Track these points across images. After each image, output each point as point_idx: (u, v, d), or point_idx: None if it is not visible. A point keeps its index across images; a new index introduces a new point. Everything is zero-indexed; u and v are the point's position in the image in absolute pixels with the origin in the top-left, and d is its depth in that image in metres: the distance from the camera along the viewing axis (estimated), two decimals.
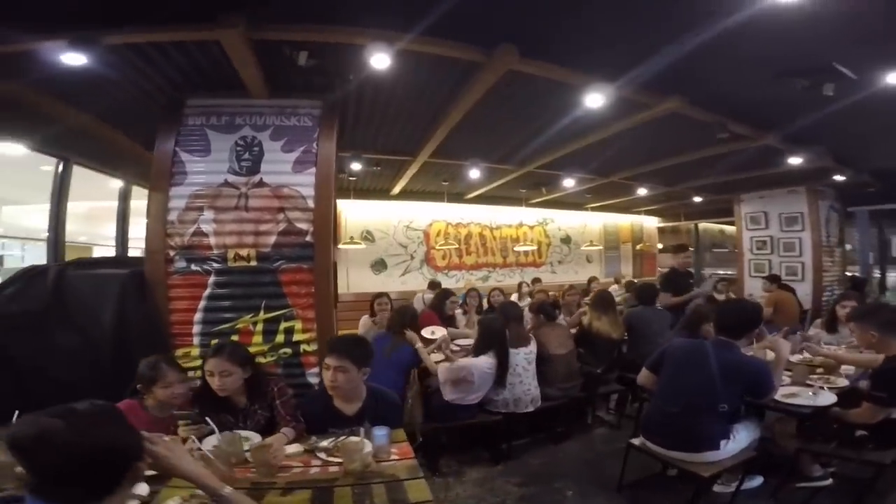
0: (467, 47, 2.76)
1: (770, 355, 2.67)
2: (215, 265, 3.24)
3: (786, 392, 2.55)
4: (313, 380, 3.24)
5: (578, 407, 4.07)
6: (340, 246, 6.67)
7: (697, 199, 7.97)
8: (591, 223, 9.33)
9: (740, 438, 2.40)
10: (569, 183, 6.24)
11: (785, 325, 5.64)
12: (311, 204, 3.31)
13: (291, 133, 3.37)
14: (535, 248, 8.46)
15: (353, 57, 2.73)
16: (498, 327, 3.34)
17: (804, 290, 6.76)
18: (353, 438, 1.79)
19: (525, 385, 3.32)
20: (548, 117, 3.81)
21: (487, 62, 2.86)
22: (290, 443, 1.92)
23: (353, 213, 7.27)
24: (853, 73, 3.08)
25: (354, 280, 7.21)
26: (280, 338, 3.23)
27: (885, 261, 7.90)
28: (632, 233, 9.90)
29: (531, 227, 8.70)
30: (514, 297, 6.63)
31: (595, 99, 3.16)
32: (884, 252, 7.95)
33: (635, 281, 7.60)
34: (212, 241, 3.25)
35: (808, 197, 6.96)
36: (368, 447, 1.71)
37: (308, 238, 3.29)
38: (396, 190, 6.90)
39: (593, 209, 9.01)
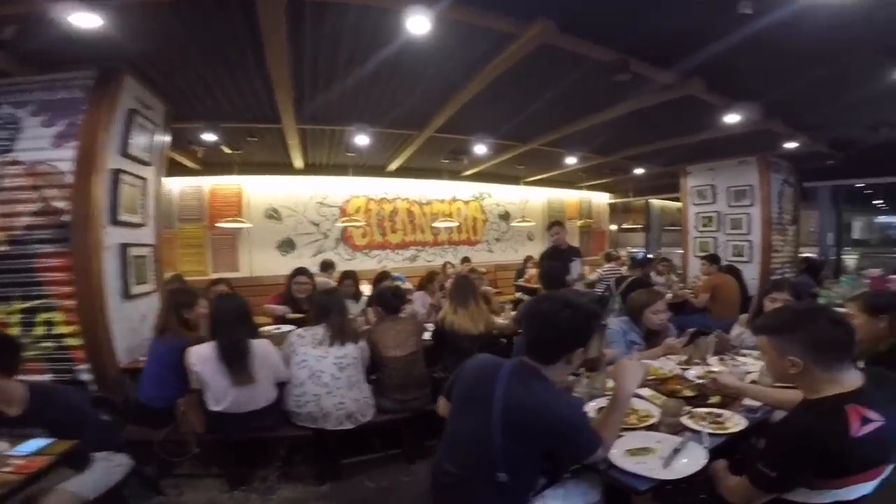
0: None
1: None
2: None
3: (636, 446, 1.62)
4: (85, 377, 2.95)
5: None
6: (224, 224, 5.96)
7: (639, 171, 7.23)
8: (533, 199, 8.57)
9: None
10: (481, 150, 5.49)
11: (723, 314, 5.06)
12: (69, 180, 2.88)
13: (57, 107, 2.99)
14: (456, 224, 7.71)
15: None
16: (229, 308, 2.65)
17: (751, 273, 6.14)
18: None
19: (335, 398, 2.67)
20: (379, 54, 3.03)
21: None
22: None
23: (256, 190, 6.54)
24: None
25: (258, 262, 6.53)
26: (40, 330, 2.91)
27: (843, 243, 7.26)
28: (580, 209, 9.14)
29: (465, 203, 7.96)
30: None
31: (418, 23, 2.43)
32: (842, 232, 7.30)
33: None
34: None
35: (759, 168, 6.25)
36: None
37: (65, 218, 2.85)
38: (299, 163, 6.16)
39: (532, 183, 8.23)
